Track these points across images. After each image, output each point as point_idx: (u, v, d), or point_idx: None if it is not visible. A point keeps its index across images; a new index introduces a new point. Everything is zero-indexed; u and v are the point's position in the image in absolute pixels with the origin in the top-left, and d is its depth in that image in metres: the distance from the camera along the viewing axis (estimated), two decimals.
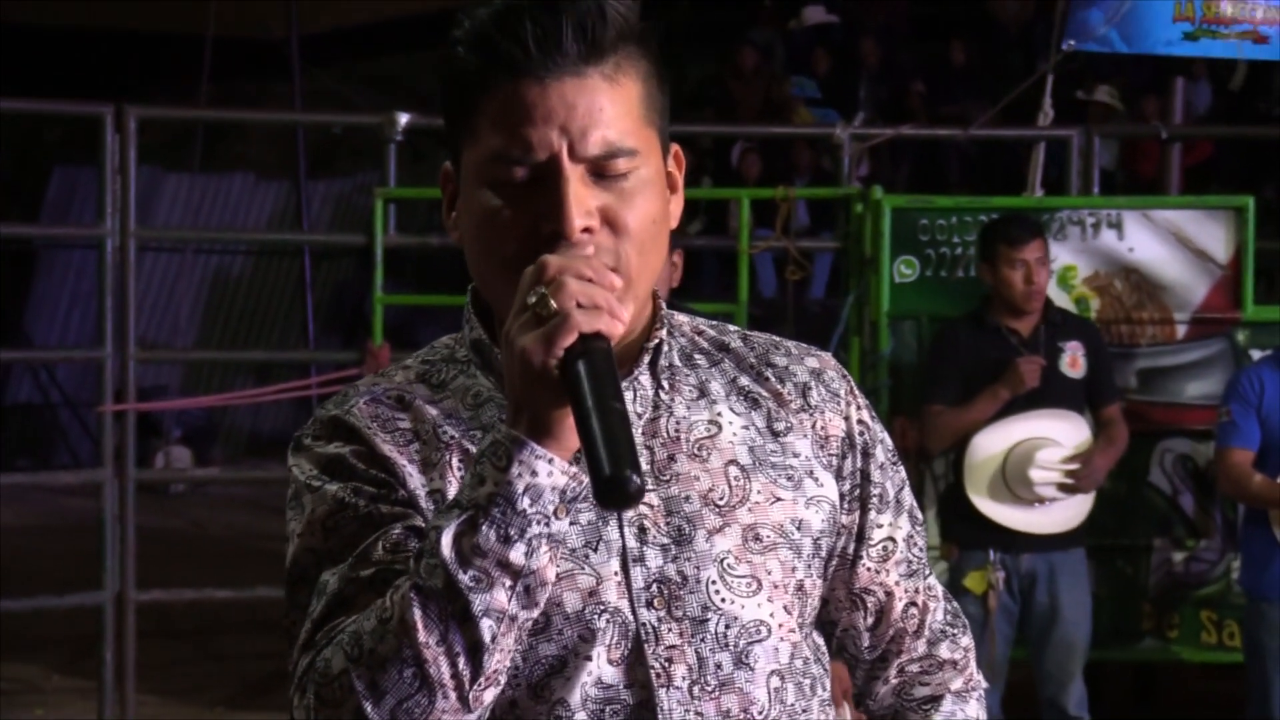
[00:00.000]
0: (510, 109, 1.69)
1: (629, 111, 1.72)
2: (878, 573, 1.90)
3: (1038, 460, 5.93)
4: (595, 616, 1.71)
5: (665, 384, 1.81)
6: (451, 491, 1.71)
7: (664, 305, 1.84)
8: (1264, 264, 7.15)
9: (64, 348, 15.16)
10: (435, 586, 1.57)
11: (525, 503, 1.58)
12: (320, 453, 1.77)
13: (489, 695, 1.62)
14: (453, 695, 1.59)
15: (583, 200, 1.69)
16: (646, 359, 1.80)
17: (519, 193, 1.71)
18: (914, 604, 1.93)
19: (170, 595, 7.95)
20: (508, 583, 1.58)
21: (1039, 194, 7.38)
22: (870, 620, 1.93)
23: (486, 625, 1.58)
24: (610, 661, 1.71)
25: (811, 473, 1.83)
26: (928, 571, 1.96)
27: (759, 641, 1.76)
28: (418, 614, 1.57)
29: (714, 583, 1.74)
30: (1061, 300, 6.66)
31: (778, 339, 1.92)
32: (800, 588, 1.80)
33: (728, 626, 1.74)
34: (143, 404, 8.93)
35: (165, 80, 14.81)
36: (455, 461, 1.74)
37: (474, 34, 1.72)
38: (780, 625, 1.77)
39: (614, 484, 1.55)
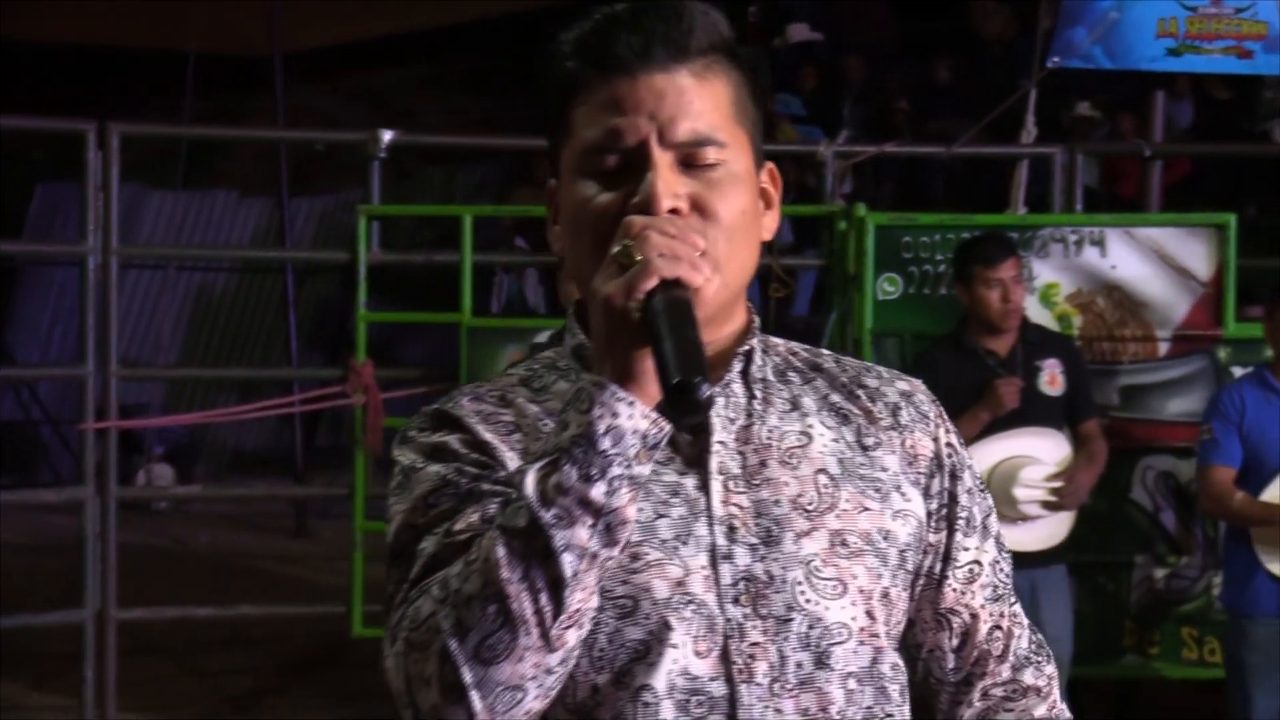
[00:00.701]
0: (603, 103, 1.79)
1: (717, 107, 1.80)
2: (963, 594, 1.94)
3: (1021, 479, 5.93)
4: (681, 606, 1.75)
5: (758, 394, 1.87)
6: None
7: (757, 319, 1.91)
8: (1246, 282, 7.14)
9: (46, 365, 15.13)
10: (518, 525, 1.62)
11: (607, 443, 1.62)
12: (424, 441, 1.83)
13: (571, 636, 1.65)
14: (535, 632, 1.63)
15: (671, 183, 1.76)
16: (739, 365, 1.86)
17: (612, 180, 1.79)
18: (999, 628, 1.96)
19: (152, 613, 7.92)
20: (589, 520, 1.62)
21: (1022, 211, 7.39)
22: (955, 641, 1.95)
23: (568, 561, 1.62)
24: (697, 653, 1.75)
25: (899, 487, 1.87)
26: (1013, 599, 1.99)
27: (840, 643, 1.79)
28: (501, 551, 1.62)
29: (800, 583, 1.79)
30: (1044, 318, 6.67)
31: (870, 364, 1.97)
32: (885, 595, 1.84)
33: (810, 627, 1.78)
34: (125, 421, 8.90)
35: (148, 97, 14.76)
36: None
37: (572, 42, 1.83)
38: (862, 629, 1.81)
39: (683, 390, 1.59)
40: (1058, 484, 5.98)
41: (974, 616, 1.94)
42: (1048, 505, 5.99)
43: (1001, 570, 1.96)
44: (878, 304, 6.89)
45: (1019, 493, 5.93)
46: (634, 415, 1.63)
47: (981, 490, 1.96)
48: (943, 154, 8.91)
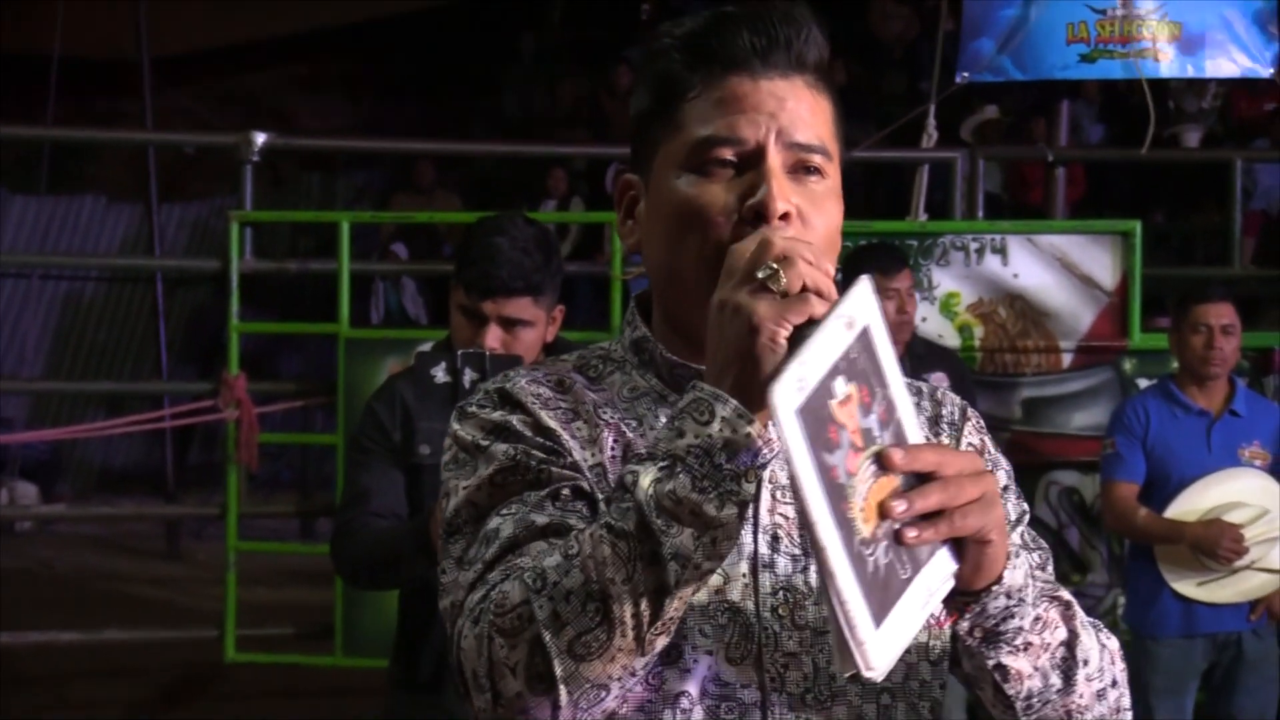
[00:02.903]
0: (722, 100, 1.81)
1: (825, 120, 1.84)
2: None
3: None
4: (719, 613, 1.79)
5: None
6: (614, 468, 1.83)
7: None
8: (1152, 291, 7.04)
9: None
10: (627, 528, 1.64)
11: (723, 458, 1.64)
12: (486, 418, 1.86)
13: (660, 642, 1.68)
14: (630, 634, 1.65)
15: (785, 188, 1.78)
16: None
17: (723, 176, 1.81)
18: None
19: (14, 638, 7.83)
20: (697, 533, 1.64)
21: (922, 218, 7.26)
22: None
23: (673, 569, 1.64)
24: (730, 660, 1.79)
25: None
26: (1057, 591, 1.92)
27: None
28: (608, 550, 1.64)
29: None
30: (944, 328, 6.61)
31: (910, 380, 1.95)
32: None
33: None
34: None
35: (10, 99, 14.46)
36: (612, 441, 1.85)
37: (686, 37, 1.85)
38: None
39: None
40: None
41: None
42: None
43: (1040, 569, 1.94)
44: None
45: None
46: (751, 434, 1.64)
47: (1009, 490, 1.95)
48: (842, 158, 8.74)
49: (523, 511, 1.77)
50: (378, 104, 17.16)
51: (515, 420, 1.84)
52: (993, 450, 1.97)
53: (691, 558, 1.63)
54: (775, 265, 1.65)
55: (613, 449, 1.84)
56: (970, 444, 1.96)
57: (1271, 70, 7.43)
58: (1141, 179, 11.85)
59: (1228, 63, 7.44)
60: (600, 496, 1.79)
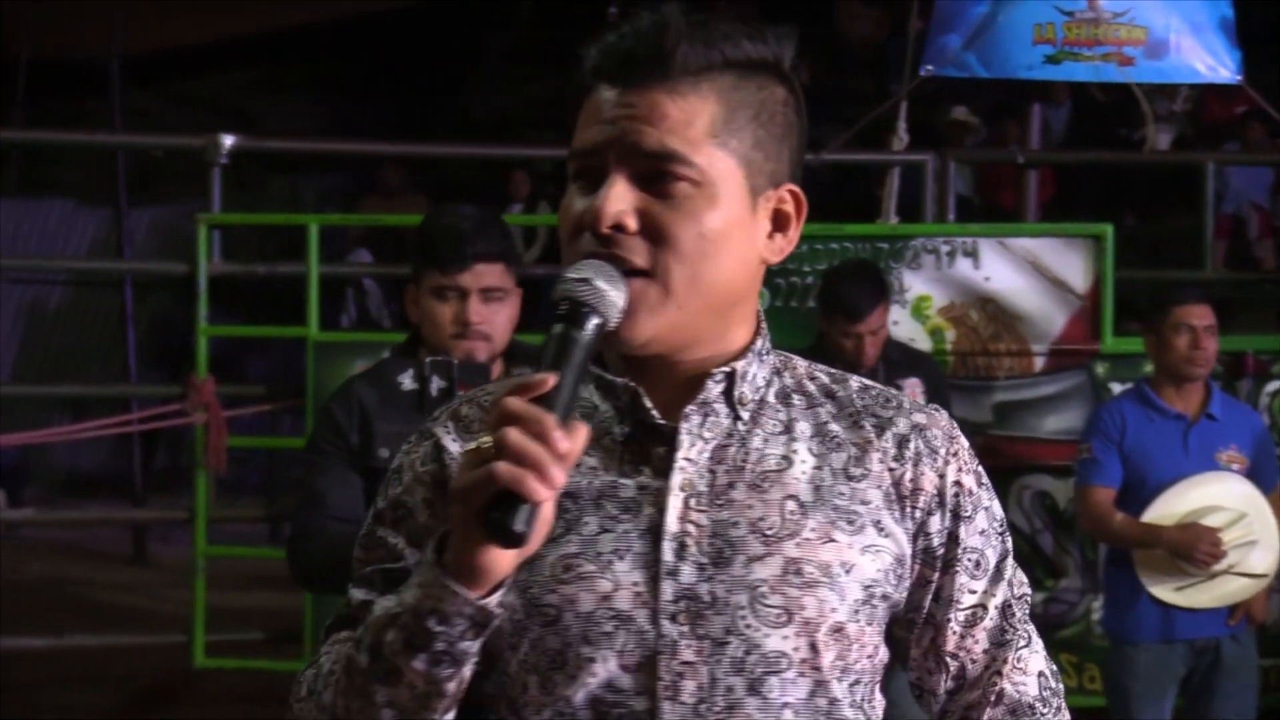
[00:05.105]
0: (586, 112, 1.84)
1: (691, 124, 1.80)
2: (964, 638, 1.93)
3: None
4: (603, 620, 1.79)
5: (747, 415, 1.87)
6: None
7: (764, 340, 1.91)
8: (1124, 294, 7.02)
9: None
10: (359, 664, 1.74)
11: (432, 622, 1.69)
12: (403, 460, 1.93)
13: None
14: None
15: (619, 198, 1.78)
16: (717, 388, 1.86)
17: (583, 187, 1.83)
18: (998, 673, 1.94)
19: None
20: (408, 685, 1.72)
21: (893, 221, 7.23)
22: (950, 684, 1.95)
23: (388, 715, 1.74)
24: (624, 667, 1.79)
25: (878, 521, 1.86)
26: (1023, 643, 1.96)
27: (776, 673, 1.80)
28: (344, 681, 1.77)
29: (742, 608, 1.79)
30: (916, 331, 6.60)
31: (899, 397, 1.96)
32: (839, 630, 1.82)
33: (747, 653, 1.79)
34: None
35: None
36: None
37: (584, 50, 1.87)
38: (803, 661, 1.81)
39: (495, 526, 1.65)
40: None
41: (974, 661, 1.94)
42: None
43: (1012, 615, 1.95)
44: None
45: None
46: (458, 602, 1.68)
47: (1000, 533, 1.95)
48: (810, 161, 8.67)
49: (363, 586, 1.88)
50: (344, 106, 17.08)
51: (409, 478, 1.91)
52: (976, 489, 1.93)
53: (407, 707, 1.73)
54: (489, 438, 1.66)
55: None
56: (958, 479, 1.91)
57: (1238, 76, 7.43)
58: (1112, 181, 11.85)
59: (1193, 68, 7.45)
60: None
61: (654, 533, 1.81)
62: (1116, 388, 6.61)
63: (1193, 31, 7.32)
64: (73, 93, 15.20)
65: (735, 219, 1.82)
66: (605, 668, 1.79)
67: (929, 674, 1.95)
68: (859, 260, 6.47)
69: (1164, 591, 5.61)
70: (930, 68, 7.25)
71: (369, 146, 11.88)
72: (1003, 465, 6.66)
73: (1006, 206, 10.36)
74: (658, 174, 1.79)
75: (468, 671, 1.74)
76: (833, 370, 1.97)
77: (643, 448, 1.83)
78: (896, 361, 5.97)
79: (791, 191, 1.88)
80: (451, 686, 1.73)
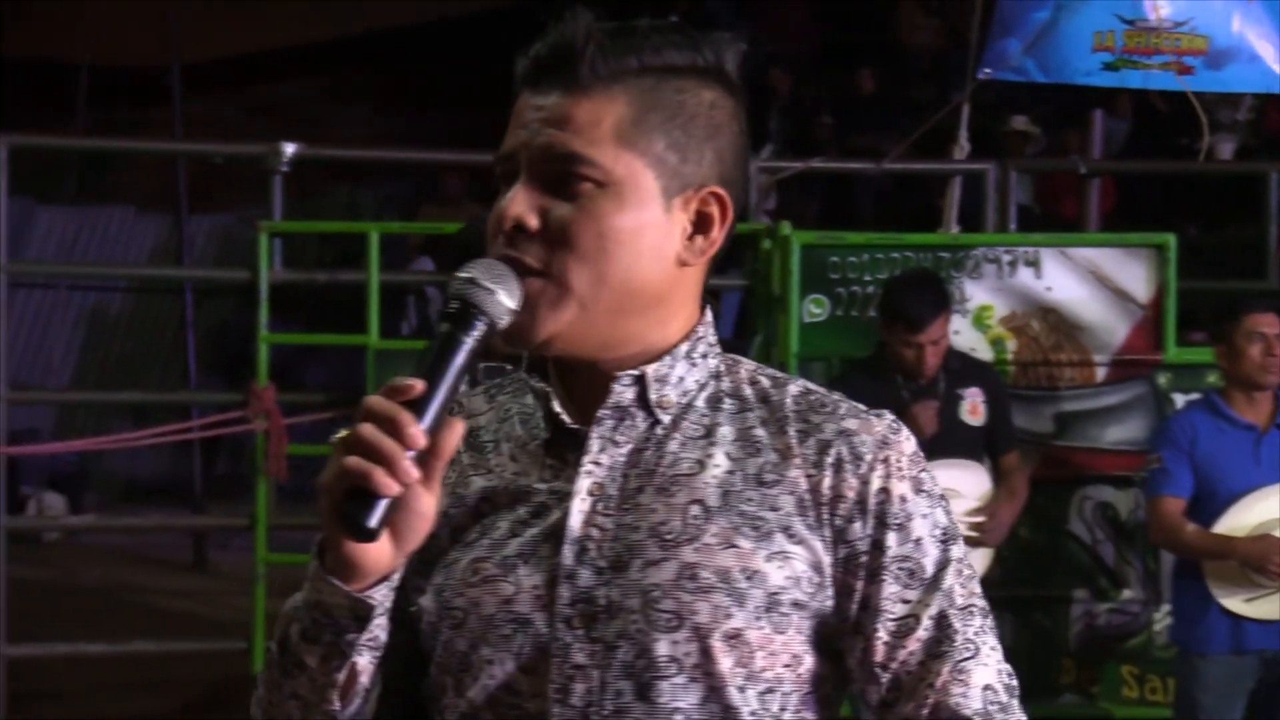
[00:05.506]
0: (512, 117, 1.87)
1: (596, 126, 1.83)
2: (895, 649, 1.86)
3: None
4: (503, 624, 1.81)
5: (666, 419, 1.88)
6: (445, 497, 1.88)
7: (698, 343, 1.90)
8: (1186, 305, 6.98)
9: None
10: (273, 657, 1.81)
11: (318, 614, 1.75)
12: None
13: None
14: None
15: (520, 200, 1.82)
16: (628, 391, 1.87)
17: (504, 191, 1.86)
18: (932, 686, 1.85)
19: (42, 649, 7.77)
20: (309, 677, 1.78)
21: (955, 230, 7.21)
22: (884, 695, 1.88)
23: (293, 705, 1.80)
24: (521, 670, 1.80)
25: (788, 528, 1.83)
26: (966, 655, 1.87)
27: (666, 678, 1.79)
28: (266, 674, 1.82)
29: (634, 613, 1.79)
30: (977, 341, 6.58)
31: (839, 402, 1.92)
32: (736, 636, 1.79)
33: (637, 657, 1.79)
34: (14, 448, 8.64)
35: (39, 109, 14.48)
36: (466, 459, 1.91)
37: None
38: (695, 667, 1.79)
39: (348, 523, 1.70)
40: (979, 519, 5.83)
41: (909, 673, 1.86)
42: (967, 541, 5.76)
43: (949, 626, 1.86)
44: (804, 326, 6.78)
45: None
46: (336, 595, 1.74)
47: (940, 541, 1.87)
48: (871, 170, 8.71)
49: None
50: (405, 113, 17.13)
51: None
52: (911, 495, 1.86)
53: (309, 700, 1.79)
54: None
55: (468, 461, 1.92)
56: (885, 486, 1.86)
57: None
58: (1173, 191, 11.75)
59: (1254, 77, 7.40)
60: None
61: (558, 536, 1.82)
62: (1179, 398, 6.59)
63: (1257, 40, 7.27)
64: (133, 100, 15.30)
65: (646, 220, 1.84)
66: (504, 670, 1.81)
67: (862, 685, 1.88)
68: (920, 270, 6.46)
69: (1234, 603, 5.58)
70: (988, 70, 7.22)
71: (430, 155, 11.89)
72: (1064, 476, 6.65)
73: (1066, 216, 10.30)
74: (563, 176, 1.82)
75: (365, 663, 1.78)
76: (779, 375, 1.95)
77: (561, 452, 1.85)
78: (957, 371, 5.97)
79: (715, 194, 1.88)
80: (341, 678, 1.77)
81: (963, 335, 6.53)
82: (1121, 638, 6.71)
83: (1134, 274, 6.75)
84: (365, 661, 1.80)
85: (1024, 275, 6.72)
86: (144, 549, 12.77)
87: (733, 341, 10.14)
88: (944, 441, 5.79)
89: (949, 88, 11.49)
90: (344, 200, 16.01)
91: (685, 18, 14.52)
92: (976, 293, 6.67)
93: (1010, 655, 5.12)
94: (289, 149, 7.48)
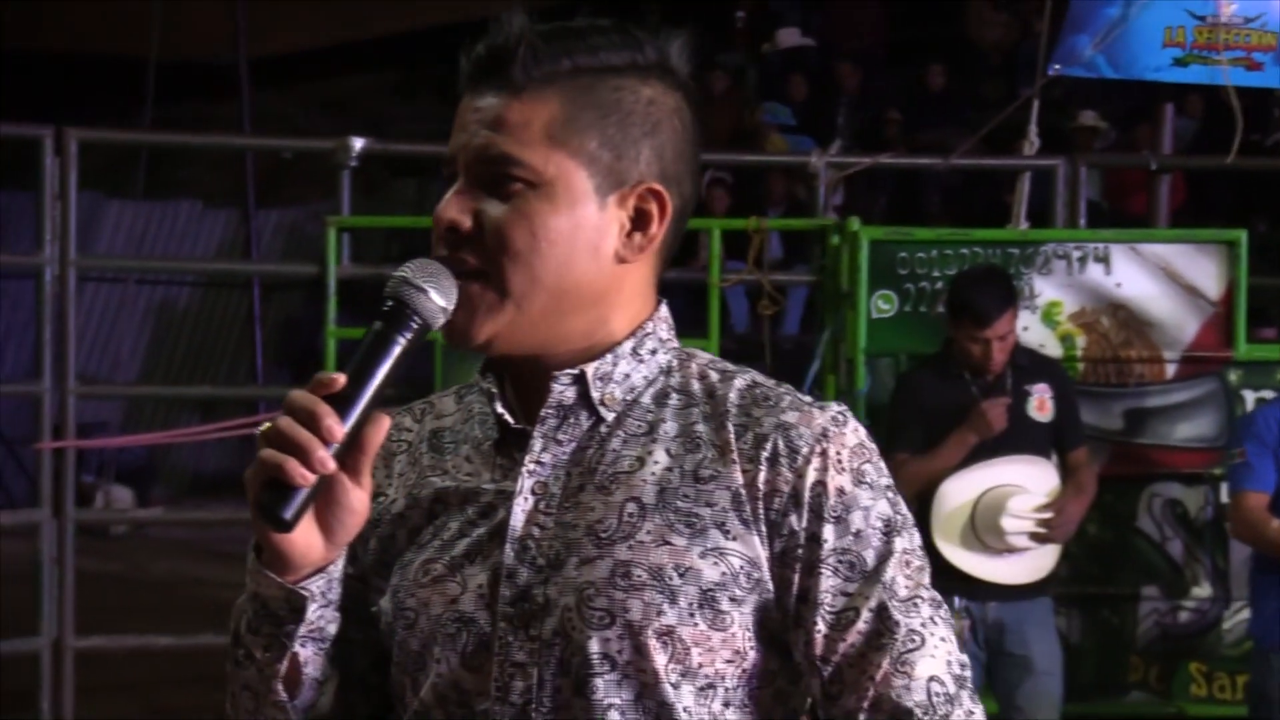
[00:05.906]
0: (455, 118, 1.90)
1: (527, 127, 1.85)
2: (835, 641, 1.85)
3: (1009, 509, 5.74)
4: (449, 623, 1.83)
5: (610, 417, 1.88)
6: (391, 492, 1.94)
7: (645, 339, 1.91)
8: (1257, 301, 6.93)
9: None
10: (229, 650, 1.85)
11: (257, 605, 1.80)
12: None
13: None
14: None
15: (456, 202, 1.85)
16: (569, 390, 1.87)
17: (444, 192, 1.89)
18: (872, 678, 1.84)
19: (110, 641, 7.72)
20: (257, 668, 1.82)
21: (1024, 226, 7.17)
22: (827, 688, 1.87)
23: (246, 696, 1.84)
24: (467, 668, 1.83)
25: (723, 524, 1.83)
26: (911, 647, 1.85)
27: (600, 675, 1.80)
28: (227, 668, 1.86)
29: (570, 610, 1.80)
30: (1046, 338, 6.55)
31: (788, 393, 1.91)
32: (670, 633, 1.80)
33: (573, 655, 1.80)
34: (83, 441, 8.70)
35: (107, 103, 14.58)
36: (427, 460, 1.94)
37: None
38: (628, 663, 1.80)
39: (264, 513, 1.73)
40: (1047, 515, 5.81)
41: (850, 666, 1.85)
42: (1035, 537, 5.80)
43: (888, 617, 1.84)
44: (871, 322, 6.72)
45: (1007, 523, 5.74)
46: (270, 587, 1.78)
47: (882, 533, 1.86)
48: (939, 165, 8.64)
49: None
50: None
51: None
52: (851, 488, 1.86)
53: (257, 690, 1.83)
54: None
55: (430, 464, 1.95)
56: (820, 479, 1.84)
57: None
58: (1243, 187, 11.67)
59: None
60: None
61: (503, 535, 1.84)
62: (1249, 395, 6.55)
63: None
64: (201, 95, 15.38)
65: (580, 218, 1.85)
66: (450, 668, 1.83)
67: (809, 678, 1.87)
68: (988, 265, 6.43)
69: None
70: (1058, 66, 7.18)
71: None
72: (1133, 473, 6.61)
73: (1135, 212, 10.23)
74: (496, 177, 1.84)
75: (309, 654, 1.83)
76: (730, 369, 1.93)
77: (510, 451, 1.87)
78: (1025, 367, 5.94)
79: (652, 190, 1.88)
80: (282, 668, 1.81)
81: (1032, 331, 6.50)
82: (1190, 635, 6.66)
83: (1204, 270, 6.70)
84: (309, 653, 1.83)
85: (1094, 271, 6.68)
86: (211, 543, 12.83)
87: (800, 338, 10.14)
88: (1012, 438, 5.78)
89: (1018, 83, 11.45)
90: (411, 195, 16.07)
91: (752, 12, 14.52)
92: (1046, 289, 6.63)
93: (1077, 652, 5.16)
94: (357, 144, 7.44)
